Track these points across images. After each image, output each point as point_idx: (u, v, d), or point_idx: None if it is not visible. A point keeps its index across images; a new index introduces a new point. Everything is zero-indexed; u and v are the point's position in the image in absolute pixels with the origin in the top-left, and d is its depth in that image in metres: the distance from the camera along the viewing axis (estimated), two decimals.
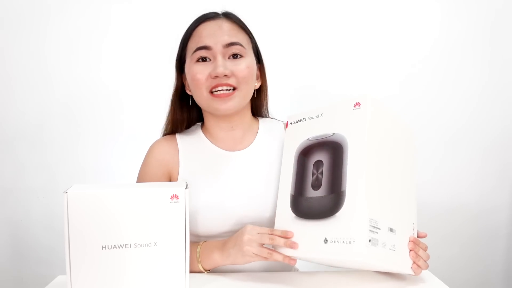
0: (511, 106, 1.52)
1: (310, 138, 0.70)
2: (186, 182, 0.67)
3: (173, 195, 0.62)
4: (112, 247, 0.61)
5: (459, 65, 1.49)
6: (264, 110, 0.96)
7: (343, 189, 0.62)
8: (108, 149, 1.49)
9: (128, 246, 0.62)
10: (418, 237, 0.74)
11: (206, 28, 0.82)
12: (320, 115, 0.70)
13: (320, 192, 0.65)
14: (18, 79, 1.46)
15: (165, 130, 0.93)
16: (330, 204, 0.63)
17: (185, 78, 0.88)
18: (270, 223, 0.82)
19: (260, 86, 0.92)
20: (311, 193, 0.66)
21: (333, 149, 0.65)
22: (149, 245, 0.62)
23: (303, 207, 0.68)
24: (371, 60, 1.48)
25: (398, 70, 1.49)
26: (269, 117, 0.98)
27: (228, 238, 0.77)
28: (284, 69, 1.46)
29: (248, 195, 0.83)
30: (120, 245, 0.61)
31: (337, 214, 0.61)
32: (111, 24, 1.45)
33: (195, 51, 0.81)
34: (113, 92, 1.47)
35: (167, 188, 0.63)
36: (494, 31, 1.48)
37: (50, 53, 1.45)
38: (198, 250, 0.78)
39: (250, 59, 0.84)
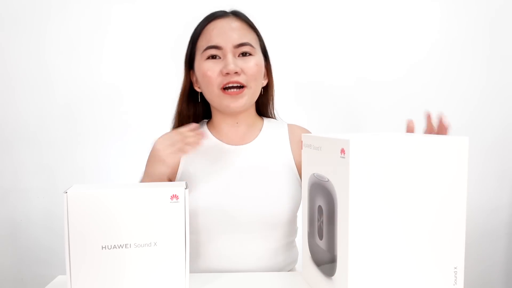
0: (511, 106, 1.52)
1: (315, 175, 0.66)
2: (185, 182, 0.67)
3: (173, 195, 0.63)
4: (112, 247, 0.61)
5: (459, 65, 1.49)
6: (270, 109, 0.97)
7: (335, 253, 0.58)
8: (108, 149, 1.49)
9: (128, 246, 0.62)
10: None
11: (216, 27, 0.83)
12: (319, 148, 0.63)
13: (322, 244, 0.63)
14: (18, 79, 1.45)
15: (174, 125, 0.94)
16: (327, 263, 0.61)
17: (193, 75, 0.89)
18: (267, 215, 0.83)
19: (267, 84, 0.93)
20: (318, 240, 0.65)
21: (328, 199, 0.60)
22: (149, 245, 0.62)
23: (313, 253, 0.67)
24: (370, 60, 1.48)
25: (398, 70, 1.48)
26: (274, 117, 0.98)
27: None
28: (284, 66, 1.46)
29: (247, 188, 0.84)
30: (120, 245, 0.61)
31: (333, 278, 0.59)
32: (111, 24, 1.45)
33: (205, 49, 0.83)
34: (113, 92, 1.47)
35: (167, 188, 0.63)
36: (493, 31, 1.48)
37: (50, 53, 1.45)
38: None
39: (259, 57, 0.86)
